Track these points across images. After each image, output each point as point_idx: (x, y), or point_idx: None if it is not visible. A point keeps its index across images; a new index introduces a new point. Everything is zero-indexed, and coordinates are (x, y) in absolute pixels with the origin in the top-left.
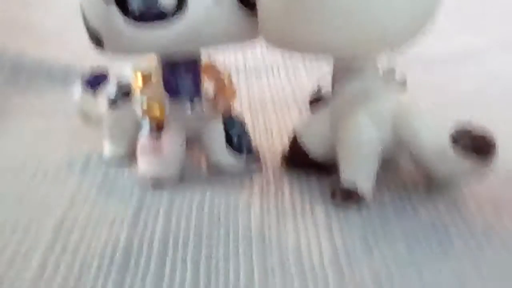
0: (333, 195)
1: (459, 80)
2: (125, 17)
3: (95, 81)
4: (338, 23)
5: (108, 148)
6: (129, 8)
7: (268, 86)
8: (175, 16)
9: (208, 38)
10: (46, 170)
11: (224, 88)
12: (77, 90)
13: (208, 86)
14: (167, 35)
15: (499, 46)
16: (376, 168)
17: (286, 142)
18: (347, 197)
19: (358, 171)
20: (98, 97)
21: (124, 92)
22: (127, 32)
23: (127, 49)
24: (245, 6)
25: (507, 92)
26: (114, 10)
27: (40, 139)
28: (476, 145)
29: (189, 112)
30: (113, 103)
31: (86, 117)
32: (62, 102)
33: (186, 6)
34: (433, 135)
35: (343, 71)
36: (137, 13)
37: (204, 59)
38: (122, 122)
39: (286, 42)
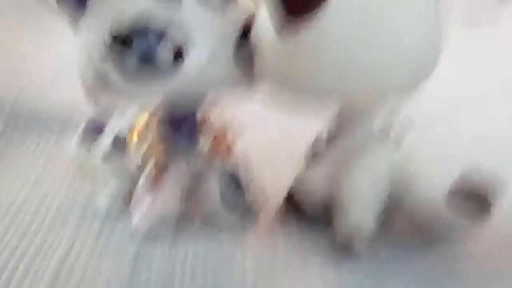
0: (328, 250)
1: (460, 129)
2: (121, 74)
3: (92, 134)
4: (335, 71)
5: (102, 201)
6: (125, 65)
7: (264, 140)
8: (171, 73)
9: (204, 92)
10: (44, 217)
11: (220, 143)
12: (72, 142)
13: (204, 140)
14: (163, 91)
15: (498, 95)
16: (373, 222)
17: (281, 196)
18: (343, 251)
19: (354, 228)
20: (94, 149)
21: (120, 145)
22: (123, 89)
23: (123, 106)
24: (242, 65)
25: (504, 146)
26: (110, 66)
27: (37, 186)
28: (472, 203)
29: (184, 166)
30: (107, 155)
31: (81, 169)
32: (58, 150)
33: (182, 64)
34: (429, 192)
35: (340, 128)
36: (133, 70)
37: (201, 114)
38: (117, 174)
39: (284, 89)
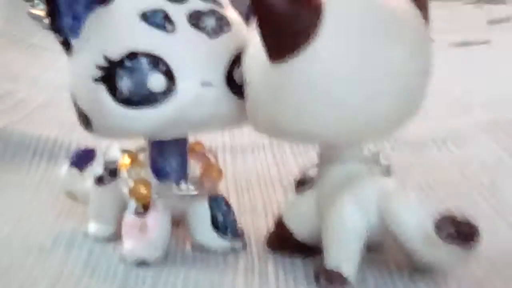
0: (317, 278)
1: (444, 162)
2: (114, 99)
3: (82, 160)
4: (325, 115)
5: (93, 227)
6: (118, 90)
7: (254, 165)
8: (164, 98)
9: (197, 122)
10: (31, 247)
11: (210, 168)
12: (63, 169)
13: (194, 165)
14: (156, 118)
15: (482, 129)
16: (361, 252)
17: (271, 222)
18: (331, 279)
19: (343, 257)
20: (85, 176)
21: (111, 171)
22: (116, 114)
23: (116, 132)
24: (234, 91)
25: (489, 174)
26: (103, 91)
27: (26, 215)
28: (459, 232)
29: (175, 192)
30: (99, 180)
31: (72, 195)
32: (48, 177)
33: (175, 88)
34: (417, 221)
35: (329, 155)
36: (126, 95)
37: (191, 139)
38: (108, 200)
39: (273, 131)
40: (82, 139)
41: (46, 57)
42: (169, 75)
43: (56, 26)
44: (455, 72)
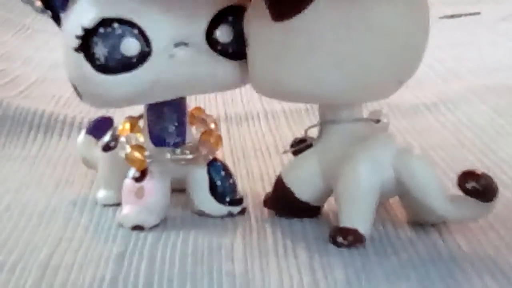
0: (333, 237)
1: (437, 125)
2: (93, 66)
3: (99, 129)
4: (326, 74)
5: (101, 193)
6: (95, 57)
7: (249, 133)
8: (139, 62)
9: (175, 84)
10: (32, 213)
11: (208, 134)
12: (80, 136)
13: (193, 131)
14: (133, 82)
15: (472, 93)
16: (375, 210)
17: (267, 186)
18: (349, 237)
19: (358, 215)
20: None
21: (117, 137)
22: (96, 81)
23: (99, 99)
24: (218, 51)
25: (482, 136)
26: (83, 60)
27: (25, 186)
28: (481, 186)
29: (174, 158)
30: (105, 147)
31: (87, 162)
32: (45, 149)
33: (150, 51)
34: (435, 176)
35: (330, 114)
36: (102, 62)
37: (190, 106)
38: (114, 167)
39: (274, 90)
40: (78, 113)
41: (38, 38)
42: (144, 38)
43: (47, 2)
44: (446, 42)
